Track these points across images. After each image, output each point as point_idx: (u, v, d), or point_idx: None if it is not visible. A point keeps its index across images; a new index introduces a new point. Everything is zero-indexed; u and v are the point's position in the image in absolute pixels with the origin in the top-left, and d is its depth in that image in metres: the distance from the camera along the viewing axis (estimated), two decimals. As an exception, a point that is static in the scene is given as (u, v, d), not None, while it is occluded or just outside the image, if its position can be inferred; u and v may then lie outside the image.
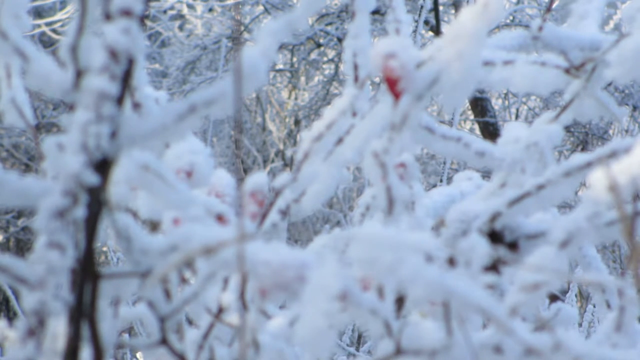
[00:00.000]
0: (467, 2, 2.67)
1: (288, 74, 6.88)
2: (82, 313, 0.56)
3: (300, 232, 6.27)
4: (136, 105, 0.70)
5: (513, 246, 0.73)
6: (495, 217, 0.72)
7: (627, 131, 5.66)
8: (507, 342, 0.58)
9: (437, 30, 5.02)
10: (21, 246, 7.00)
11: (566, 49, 0.82)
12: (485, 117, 5.16)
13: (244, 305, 0.62)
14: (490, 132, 5.11)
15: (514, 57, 0.79)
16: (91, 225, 0.56)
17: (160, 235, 0.64)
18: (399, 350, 0.61)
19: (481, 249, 0.59)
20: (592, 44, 0.82)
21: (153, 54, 7.30)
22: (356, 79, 0.81)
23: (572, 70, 0.81)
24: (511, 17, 5.64)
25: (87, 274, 0.57)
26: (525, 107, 6.33)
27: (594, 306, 1.98)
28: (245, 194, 0.81)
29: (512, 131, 0.83)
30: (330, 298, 0.54)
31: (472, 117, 5.56)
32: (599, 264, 0.89)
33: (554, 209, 0.83)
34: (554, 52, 0.83)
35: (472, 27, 0.63)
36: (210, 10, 6.88)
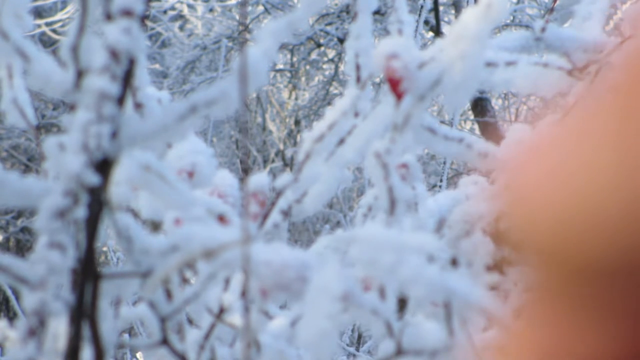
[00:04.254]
0: (467, 2, 2.67)
1: (288, 74, 6.88)
2: (83, 313, 0.56)
3: (300, 232, 6.27)
4: (138, 106, 0.70)
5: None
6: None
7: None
8: (509, 343, 0.58)
9: (437, 31, 5.02)
10: (21, 246, 7.00)
11: (569, 51, 0.82)
12: (485, 117, 5.16)
13: (247, 306, 0.62)
14: (490, 132, 5.11)
15: (517, 58, 0.79)
16: (92, 225, 0.56)
17: (162, 236, 0.64)
18: (400, 351, 0.61)
19: (484, 249, 0.59)
20: (595, 45, 0.82)
21: (153, 54, 7.30)
22: (358, 79, 0.81)
23: (576, 71, 0.81)
24: (511, 18, 5.64)
25: (87, 274, 0.57)
26: (525, 107, 6.33)
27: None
28: (247, 194, 0.81)
29: (516, 133, 0.83)
30: (332, 300, 0.54)
31: (472, 117, 5.57)
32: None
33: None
34: (557, 54, 0.83)
35: (475, 28, 0.63)
36: (211, 10, 6.88)
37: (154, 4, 6.41)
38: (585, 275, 0.21)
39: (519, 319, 0.24)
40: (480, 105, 5.20)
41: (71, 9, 5.71)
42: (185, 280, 0.73)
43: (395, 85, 0.69)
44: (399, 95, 0.69)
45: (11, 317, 6.06)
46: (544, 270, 0.22)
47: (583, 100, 0.23)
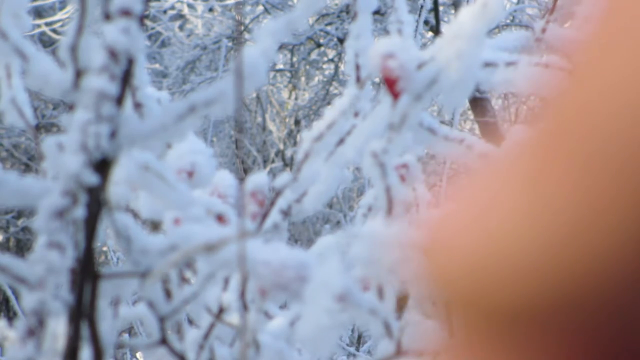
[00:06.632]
0: (467, 2, 2.67)
1: (288, 74, 6.88)
2: (82, 313, 0.56)
3: (300, 232, 6.27)
4: (137, 105, 0.70)
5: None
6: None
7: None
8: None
9: (437, 30, 5.02)
10: (21, 246, 7.00)
11: (570, 51, 0.82)
12: (485, 117, 5.15)
13: (244, 305, 0.62)
14: (490, 132, 5.11)
15: (517, 58, 0.79)
16: (91, 225, 0.56)
17: (161, 236, 0.64)
18: (399, 351, 0.61)
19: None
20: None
21: (153, 54, 7.30)
22: (358, 79, 0.81)
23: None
24: (511, 17, 5.64)
25: (87, 273, 0.57)
26: (525, 107, 6.33)
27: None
28: (246, 193, 0.81)
29: (516, 134, 0.83)
30: (333, 296, 0.54)
31: (472, 117, 5.56)
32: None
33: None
34: (558, 54, 0.83)
35: (472, 27, 0.63)
36: (211, 10, 6.88)
37: (153, 3, 6.41)
38: (503, 321, 0.21)
39: None
40: (480, 105, 5.20)
41: (71, 9, 5.70)
42: (184, 280, 0.73)
43: (391, 84, 0.69)
44: (395, 95, 0.69)
45: (11, 317, 6.06)
46: (465, 317, 0.22)
47: (504, 148, 0.23)
